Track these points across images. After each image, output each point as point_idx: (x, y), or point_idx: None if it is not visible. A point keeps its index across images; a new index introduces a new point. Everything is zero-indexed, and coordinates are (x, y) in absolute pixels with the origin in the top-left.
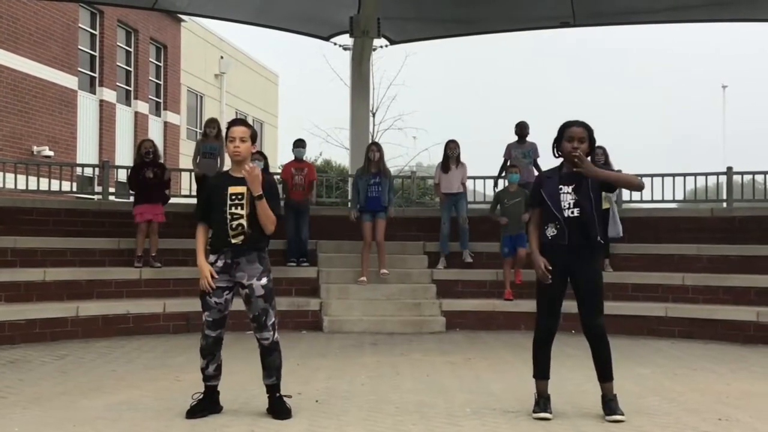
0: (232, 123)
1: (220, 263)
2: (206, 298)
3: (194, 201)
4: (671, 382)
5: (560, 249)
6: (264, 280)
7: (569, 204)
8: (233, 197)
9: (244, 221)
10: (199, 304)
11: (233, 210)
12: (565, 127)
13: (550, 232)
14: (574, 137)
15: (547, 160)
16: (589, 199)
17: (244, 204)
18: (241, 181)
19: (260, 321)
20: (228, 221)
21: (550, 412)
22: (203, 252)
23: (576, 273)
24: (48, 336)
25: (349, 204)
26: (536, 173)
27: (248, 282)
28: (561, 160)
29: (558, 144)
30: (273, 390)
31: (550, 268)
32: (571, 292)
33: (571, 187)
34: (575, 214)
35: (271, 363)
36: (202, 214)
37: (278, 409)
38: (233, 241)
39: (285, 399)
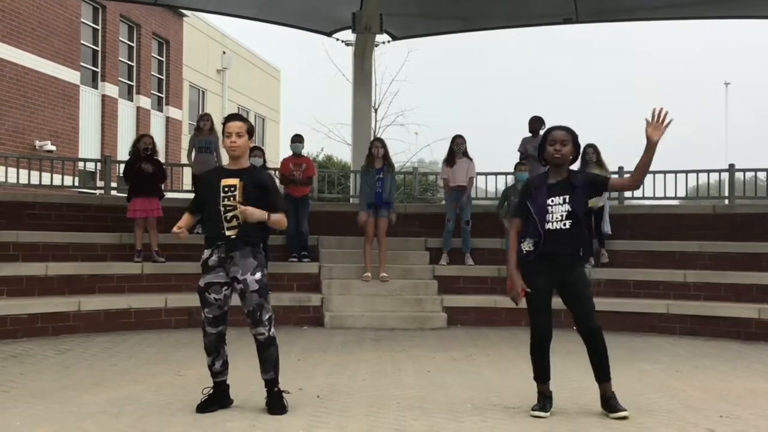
0: (228, 118)
1: (215, 257)
2: (205, 294)
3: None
4: (673, 379)
5: (538, 263)
6: (258, 275)
7: (561, 216)
8: (226, 189)
9: (238, 212)
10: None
11: (227, 202)
12: (548, 132)
13: (526, 246)
14: (556, 140)
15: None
16: (581, 209)
17: (237, 195)
18: (234, 174)
19: (255, 316)
20: (222, 213)
21: (547, 411)
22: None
23: (561, 283)
24: (50, 330)
25: (359, 201)
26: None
27: (242, 276)
28: (548, 167)
29: (543, 149)
30: (271, 384)
31: (528, 291)
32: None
33: (562, 198)
34: (566, 226)
35: (267, 357)
36: (193, 206)
37: (274, 403)
38: (228, 233)
39: (284, 394)
